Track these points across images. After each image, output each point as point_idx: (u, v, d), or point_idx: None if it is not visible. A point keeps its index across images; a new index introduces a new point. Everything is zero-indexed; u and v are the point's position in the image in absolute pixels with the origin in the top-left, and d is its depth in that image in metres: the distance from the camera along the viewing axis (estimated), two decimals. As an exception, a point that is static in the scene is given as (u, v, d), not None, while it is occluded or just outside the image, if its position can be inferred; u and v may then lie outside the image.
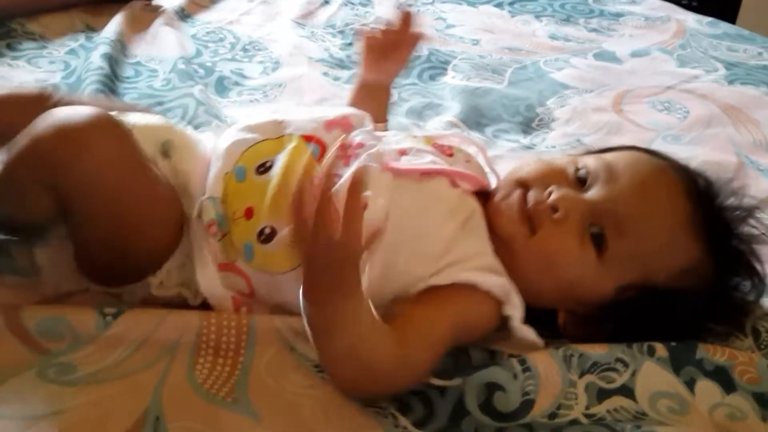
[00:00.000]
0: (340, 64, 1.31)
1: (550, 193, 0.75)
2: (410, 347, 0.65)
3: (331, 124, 0.80)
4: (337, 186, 0.70)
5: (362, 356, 0.63)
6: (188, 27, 1.39)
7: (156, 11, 1.40)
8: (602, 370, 0.70)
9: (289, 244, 0.64)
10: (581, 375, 0.70)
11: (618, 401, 0.69)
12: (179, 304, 0.75)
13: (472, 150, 0.84)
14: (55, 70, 1.18)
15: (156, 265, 0.74)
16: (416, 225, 0.73)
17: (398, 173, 0.75)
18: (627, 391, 0.69)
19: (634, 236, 0.73)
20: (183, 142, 0.79)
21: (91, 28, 1.32)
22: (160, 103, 1.10)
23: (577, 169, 0.77)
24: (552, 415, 0.67)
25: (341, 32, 1.43)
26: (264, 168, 0.76)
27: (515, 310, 0.72)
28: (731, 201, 0.79)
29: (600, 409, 0.68)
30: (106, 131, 0.70)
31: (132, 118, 0.79)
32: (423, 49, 1.37)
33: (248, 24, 1.43)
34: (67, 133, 0.68)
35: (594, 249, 0.74)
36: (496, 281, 0.72)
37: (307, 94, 1.20)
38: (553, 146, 1.12)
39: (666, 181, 0.76)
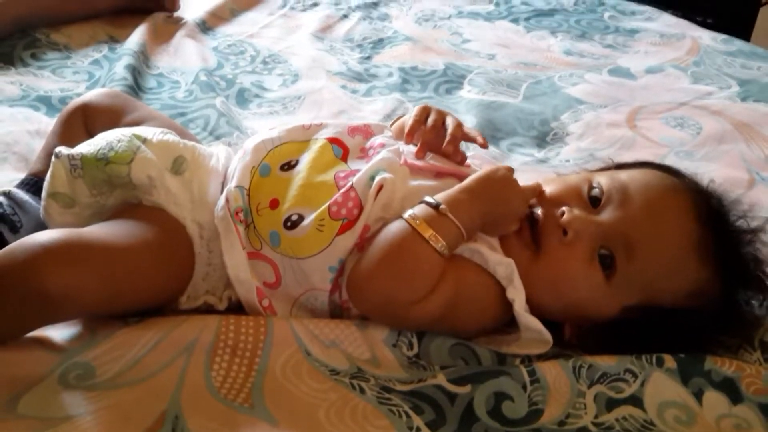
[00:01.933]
0: (358, 78, 1.34)
1: (562, 213, 0.76)
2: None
3: (354, 130, 0.86)
4: (355, 179, 0.77)
5: (424, 271, 0.71)
6: (209, 39, 1.42)
7: (177, 23, 1.44)
8: (611, 381, 0.72)
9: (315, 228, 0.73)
10: (590, 385, 0.71)
11: (627, 410, 0.70)
12: (204, 311, 0.77)
13: None
14: (79, 80, 1.21)
15: (179, 293, 0.77)
16: None
17: (415, 169, 0.80)
18: (636, 400, 0.70)
19: (643, 260, 0.75)
20: (194, 157, 0.82)
21: (114, 39, 1.35)
22: (183, 114, 1.13)
23: (591, 188, 0.79)
24: (561, 423, 0.69)
25: (359, 46, 1.46)
26: (288, 166, 0.81)
27: (518, 293, 0.74)
28: (741, 221, 0.80)
29: (609, 418, 0.69)
30: (68, 260, 0.68)
31: (147, 133, 0.81)
32: (440, 64, 1.40)
33: (268, 37, 1.45)
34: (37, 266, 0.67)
35: (602, 271, 0.75)
36: (500, 259, 0.74)
37: (326, 106, 1.22)
38: (567, 160, 1.13)
39: (677, 205, 0.77)
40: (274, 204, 0.78)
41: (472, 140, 0.87)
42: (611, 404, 0.70)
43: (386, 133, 0.87)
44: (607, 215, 0.77)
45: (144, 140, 0.79)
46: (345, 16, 1.57)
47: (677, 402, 0.71)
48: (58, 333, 0.71)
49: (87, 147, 0.79)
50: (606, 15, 1.70)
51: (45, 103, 1.11)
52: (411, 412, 0.68)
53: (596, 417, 0.69)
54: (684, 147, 1.19)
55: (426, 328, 0.74)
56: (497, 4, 1.70)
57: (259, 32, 1.47)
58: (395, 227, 0.73)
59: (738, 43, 1.61)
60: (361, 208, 0.76)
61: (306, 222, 0.76)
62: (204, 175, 0.81)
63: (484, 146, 0.87)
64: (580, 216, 0.76)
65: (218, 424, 0.65)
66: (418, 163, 0.81)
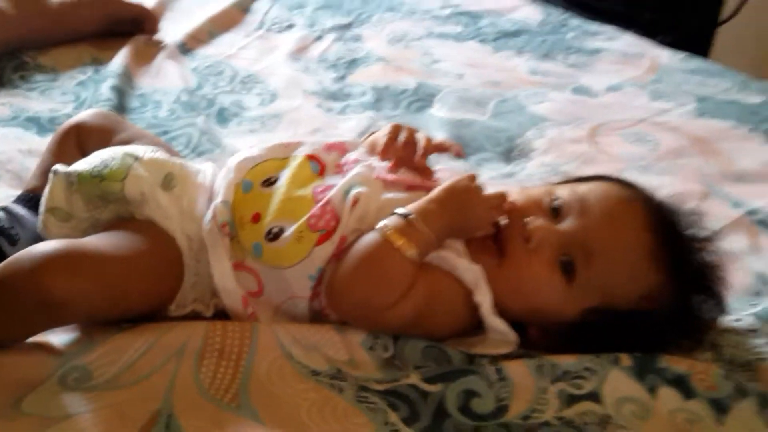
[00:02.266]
0: (333, 97, 1.38)
1: (526, 223, 0.82)
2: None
3: (330, 147, 0.91)
4: (332, 193, 0.82)
5: (396, 278, 0.77)
6: (189, 61, 1.45)
7: (158, 46, 1.47)
8: (572, 378, 0.76)
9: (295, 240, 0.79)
10: (553, 382, 0.76)
11: (586, 406, 0.74)
12: (192, 317, 0.81)
13: None
14: (66, 101, 1.25)
15: (169, 301, 0.81)
16: None
17: (387, 183, 0.85)
18: (594, 396, 0.75)
19: (600, 266, 0.80)
20: (183, 173, 0.87)
21: (98, 61, 1.39)
22: (166, 132, 1.17)
23: (553, 200, 0.84)
24: (525, 417, 0.73)
25: (334, 66, 1.49)
26: (269, 182, 0.86)
27: (484, 297, 0.79)
28: (693, 230, 0.85)
29: (570, 413, 0.74)
30: (69, 268, 0.73)
31: (138, 151, 0.86)
32: (411, 83, 1.44)
33: (246, 58, 1.49)
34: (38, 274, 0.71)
35: (562, 276, 0.81)
36: (468, 266, 0.80)
37: (303, 124, 1.26)
38: (532, 175, 1.17)
39: (631, 215, 0.83)
40: (257, 218, 0.83)
41: (447, 150, 0.93)
42: (572, 400, 0.75)
43: (360, 150, 0.93)
44: (567, 224, 0.82)
45: (136, 158, 0.84)
46: (319, 38, 1.60)
47: (633, 397, 0.76)
48: (57, 338, 0.75)
49: (83, 165, 0.84)
50: (569, 35, 1.75)
51: (35, 123, 1.15)
52: (388, 409, 0.72)
53: (558, 411, 0.74)
54: (642, 162, 1.24)
55: (400, 332, 0.79)
56: (466, 26, 1.74)
57: (237, 53, 1.50)
58: (369, 238, 0.78)
59: (696, 61, 1.66)
60: (338, 221, 0.81)
61: (286, 234, 0.81)
62: (192, 191, 0.86)
63: (459, 155, 0.94)
64: (543, 225, 0.82)
65: (208, 423, 0.69)
66: (390, 177, 0.87)
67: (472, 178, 0.85)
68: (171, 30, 1.53)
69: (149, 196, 0.82)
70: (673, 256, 0.82)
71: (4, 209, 0.89)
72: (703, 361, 0.82)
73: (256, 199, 0.85)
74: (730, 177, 1.22)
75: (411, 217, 0.78)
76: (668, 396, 0.76)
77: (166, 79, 1.36)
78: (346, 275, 0.77)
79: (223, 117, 1.27)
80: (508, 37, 1.71)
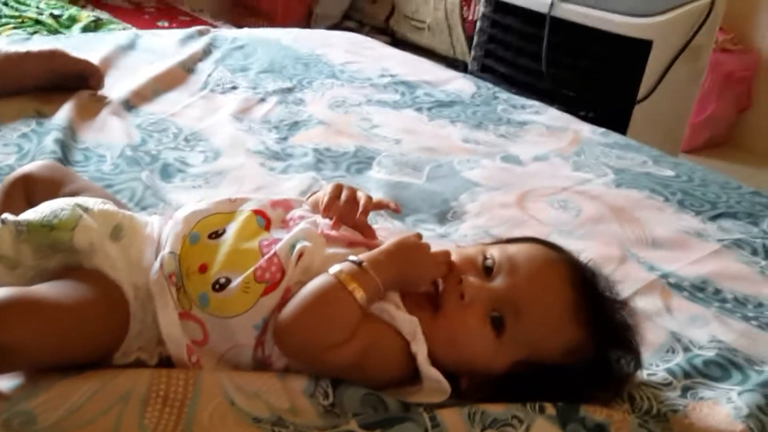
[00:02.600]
0: (276, 156, 1.41)
1: (460, 280, 0.87)
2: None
3: (275, 204, 0.95)
4: (278, 247, 0.86)
5: (344, 318, 0.80)
6: (133, 117, 1.47)
7: (102, 101, 1.49)
8: (501, 425, 0.80)
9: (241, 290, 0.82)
10: (483, 429, 0.79)
11: (514, 452, 0.79)
12: (136, 365, 0.83)
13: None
14: (9, 152, 1.25)
15: (114, 349, 0.83)
16: None
17: (330, 239, 0.90)
18: (521, 443, 0.79)
19: (527, 322, 0.86)
20: (131, 225, 0.90)
21: (42, 114, 1.40)
22: (109, 186, 1.19)
23: (485, 259, 0.90)
24: (456, 462, 0.78)
25: (276, 127, 1.53)
26: (216, 234, 0.89)
27: (420, 347, 0.83)
28: (611, 291, 0.92)
29: (499, 459, 0.78)
30: (18, 316, 0.75)
31: (88, 203, 0.89)
32: (351, 146, 1.49)
33: (189, 116, 1.51)
34: None
35: (492, 331, 0.86)
36: (406, 317, 0.84)
37: (246, 182, 1.29)
38: (465, 235, 1.22)
39: (556, 274, 0.89)
40: (203, 268, 0.86)
41: (385, 207, 0.99)
42: (500, 447, 0.79)
43: (304, 207, 0.97)
44: (498, 282, 0.88)
45: (86, 209, 0.87)
46: (263, 100, 1.64)
47: (558, 445, 0.80)
48: (2, 383, 0.76)
49: (33, 214, 0.85)
50: (499, 108, 1.82)
51: (-24, 172, 1.16)
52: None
53: (488, 458, 0.78)
54: (565, 226, 1.30)
55: (340, 375, 0.82)
56: (402, 94, 1.81)
57: (181, 111, 1.53)
58: (321, 279, 0.82)
59: (615, 136, 1.74)
60: (283, 273, 0.85)
61: (233, 285, 0.84)
62: (140, 242, 0.88)
63: (396, 211, 1.00)
64: (475, 283, 0.87)
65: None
66: (333, 233, 0.91)
67: (419, 236, 0.91)
68: (116, 86, 1.56)
69: (98, 246, 0.85)
70: (593, 314, 0.88)
71: None
72: (621, 411, 0.87)
73: (203, 250, 0.88)
74: (645, 243, 1.28)
75: (364, 264, 0.83)
76: (590, 444, 0.81)
77: (110, 134, 1.38)
78: (296, 311, 0.80)
79: (167, 173, 1.29)
80: (442, 106, 1.77)
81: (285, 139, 1.49)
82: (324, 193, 0.98)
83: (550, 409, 0.83)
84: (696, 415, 0.89)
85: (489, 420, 0.81)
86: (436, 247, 0.92)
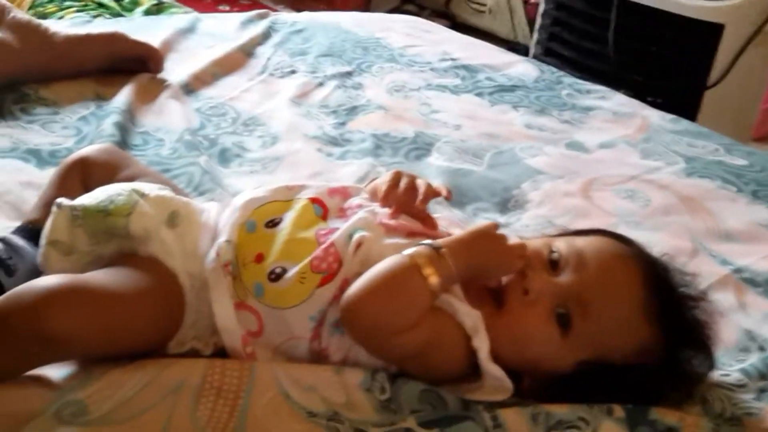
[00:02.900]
0: (333, 142, 1.39)
1: (525, 275, 0.83)
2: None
3: (333, 192, 0.93)
4: (335, 237, 0.84)
5: (416, 302, 0.77)
6: (192, 101, 1.47)
7: (162, 84, 1.49)
8: (566, 427, 0.78)
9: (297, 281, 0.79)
10: (547, 431, 0.77)
11: (580, 455, 0.76)
12: (191, 355, 0.82)
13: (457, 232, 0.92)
14: (67, 135, 1.26)
15: (168, 339, 0.82)
16: None
17: (389, 228, 0.87)
18: (588, 446, 0.76)
19: (595, 319, 0.82)
20: (188, 212, 0.88)
21: (101, 97, 1.40)
22: (167, 171, 1.18)
23: (551, 252, 0.86)
24: (520, 465, 0.75)
25: (334, 112, 1.51)
26: (273, 223, 0.87)
27: (482, 343, 0.80)
28: (685, 286, 0.87)
29: (563, 462, 0.75)
30: (71, 304, 0.74)
31: (144, 188, 0.87)
32: (410, 132, 1.47)
33: (248, 101, 1.50)
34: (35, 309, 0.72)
35: (558, 328, 0.82)
36: (468, 311, 0.81)
37: (303, 167, 1.27)
38: (527, 225, 1.19)
39: (626, 271, 0.85)
40: (260, 258, 0.84)
41: (438, 194, 0.95)
42: (565, 449, 0.76)
43: (362, 195, 0.95)
44: (564, 278, 0.84)
45: (142, 195, 0.85)
46: (321, 84, 1.62)
47: (625, 448, 0.77)
48: (54, 371, 0.75)
49: (88, 199, 0.85)
50: (564, 93, 1.77)
51: (35, 155, 1.16)
52: (383, 449, 0.73)
53: (552, 461, 0.76)
54: (633, 217, 1.26)
55: (400, 364, 0.80)
56: (463, 79, 1.77)
57: (240, 96, 1.52)
58: (397, 260, 0.79)
59: (685, 123, 1.68)
60: (340, 264, 0.82)
61: (289, 275, 0.82)
62: (196, 229, 0.87)
63: (448, 198, 0.95)
64: (541, 278, 0.83)
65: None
66: (392, 222, 0.89)
67: (496, 226, 0.87)
68: (175, 70, 1.55)
69: (153, 233, 0.83)
70: (665, 312, 0.84)
71: (3, 240, 0.90)
72: (693, 414, 0.83)
73: (259, 239, 0.86)
74: (717, 235, 1.24)
75: (443, 250, 0.79)
76: (659, 448, 0.77)
77: (169, 118, 1.37)
78: (367, 289, 0.77)
79: (224, 157, 1.28)
80: (504, 91, 1.73)
81: (343, 124, 1.47)
82: (383, 181, 0.95)
83: (618, 411, 0.80)
84: (773, 418, 0.84)
85: (553, 421, 0.78)
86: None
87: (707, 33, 2.43)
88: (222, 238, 0.85)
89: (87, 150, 1.01)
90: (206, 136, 1.34)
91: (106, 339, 0.76)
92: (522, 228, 1.18)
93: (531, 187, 1.33)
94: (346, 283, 0.81)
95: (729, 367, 0.93)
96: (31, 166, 1.15)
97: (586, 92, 1.80)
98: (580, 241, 0.88)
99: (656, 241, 1.15)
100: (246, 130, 1.39)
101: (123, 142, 1.25)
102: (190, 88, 1.51)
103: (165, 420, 0.73)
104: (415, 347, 0.78)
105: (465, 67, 1.84)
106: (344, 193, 0.94)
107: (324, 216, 0.90)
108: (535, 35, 2.87)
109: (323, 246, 0.84)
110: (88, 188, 0.90)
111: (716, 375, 0.89)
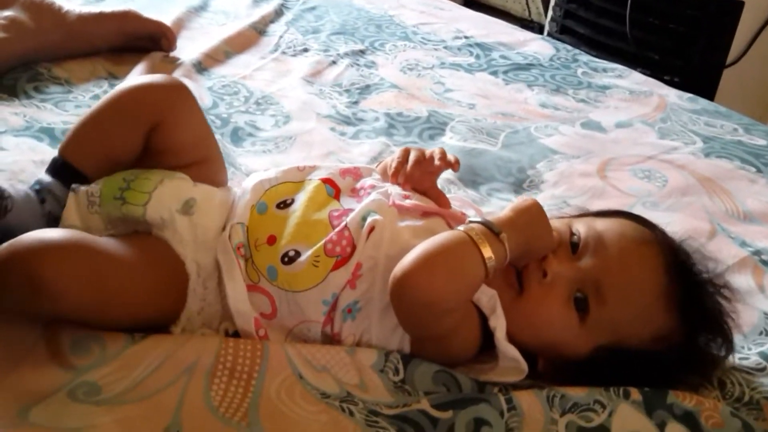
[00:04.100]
0: (346, 121, 1.38)
1: (543, 258, 0.82)
2: None
3: (345, 172, 0.92)
4: (348, 219, 0.82)
5: (474, 282, 0.76)
6: (205, 79, 1.46)
7: (174, 63, 1.48)
8: (582, 410, 0.77)
9: (311, 264, 0.78)
10: (562, 414, 0.76)
11: (595, 438, 0.75)
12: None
13: (470, 213, 0.92)
14: (80, 114, 1.24)
15: (169, 322, 0.81)
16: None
17: (402, 210, 0.86)
18: (604, 430, 0.75)
19: (614, 305, 0.80)
20: (203, 198, 0.86)
21: (113, 76, 1.39)
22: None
23: (572, 234, 0.84)
24: (535, 448, 0.74)
25: (347, 91, 1.50)
26: (285, 204, 0.87)
27: (499, 322, 0.79)
28: (705, 272, 0.86)
29: (579, 445, 0.74)
30: (66, 258, 0.73)
31: (162, 175, 0.86)
32: (423, 111, 1.45)
33: (261, 79, 1.49)
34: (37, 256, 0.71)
35: (576, 312, 0.81)
36: (485, 290, 0.79)
37: (316, 147, 1.26)
38: (542, 206, 1.18)
39: (647, 256, 0.83)
40: (272, 240, 0.83)
41: (449, 165, 0.93)
42: (581, 432, 0.75)
43: (374, 176, 0.93)
44: (583, 262, 0.82)
45: (161, 181, 0.85)
46: (334, 62, 1.61)
47: (642, 432, 0.76)
48: (70, 347, 0.75)
49: (106, 184, 0.84)
50: (579, 71, 1.76)
51: (48, 134, 1.16)
52: (397, 434, 0.72)
53: (567, 444, 0.75)
54: (650, 198, 1.25)
55: (422, 344, 0.79)
56: (477, 57, 1.76)
57: (252, 74, 1.51)
58: (455, 236, 0.76)
59: (702, 102, 1.67)
60: (354, 247, 0.81)
61: (303, 258, 0.81)
62: (210, 218, 0.85)
63: (455, 168, 0.93)
64: (560, 261, 0.82)
65: (217, 441, 0.69)
66: (406, 203, 0.87)
67: (538, 203, 0.84)
68: (187, 48, 1.54)
69: (168, 221, 0.83)
70: (685, 300, 0.82)
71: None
72: (711, 398, 0.82)
73: (271, 221, 0.85)
74: (736, 217, 1.22)
75: (502, 236, 0.77)
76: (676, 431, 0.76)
77: (181, 97, 1.36)
78: (426, 265, 0.73)
79: (237, 136, 1.27)
80: (519, 70, 1.72)
81: (356, 103, 1.46)
82: (392, 158, 0.94)
83: (635, 394, 0.79)
84: (792, 404, 0.83)
85: (569, 404, 0.77)
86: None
87: (726, 10, 2.39)
88: (234, 220, 0.84)
89: (171, 102, 0.89)
90: (219, 115, 1.33)
91: (97, 302, 0.74)
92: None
93: (546, 167, 1.31)
94: (359, 268, 0.80)
95: (748, 350, 0.92)
96: (44, 145, 1.14)
97: (602, 71, 1.79)
98: (601, 224, 0.86)
99: (673, 222, 1.15)
100: (258, 109, 1.38)
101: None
102: (202, 66, 1.50)
103: (178, 400, 0.72)
104: (452, 327, 0.77)
105: (479, 45, 1.82)
106: (356, 173, 0.93)
107: (336, 195, 0.89)
108: (550, 13, 2.83)
109: (337, 229, 0.83)
110: (151, 147, 0.88)
111: (735, 359, 0.88)
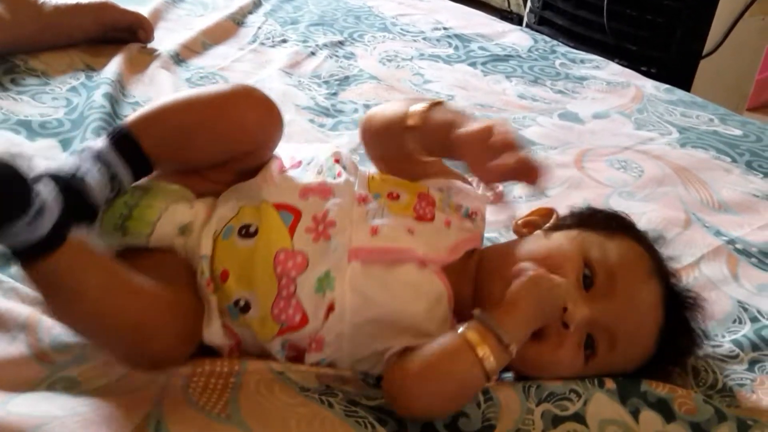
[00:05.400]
0: (325, 113, 1.38)
1: (564, 308, 0.77)
2: None
3: (306, 192, 0.81)
4: (299, 286, 0.76)
5: (468, 394, 0.75)
6: (183, 71, 1.45)
7: (152, 54, 1.47)
8: (558, 400, 0.78)
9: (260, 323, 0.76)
10: (538, 403, 0.77)
11: (571, 426, 0.76)
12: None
13: (467, 202, 0.87)
14: (57, 106, 1.24)
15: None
16: (384, 311, 0.77)
17: (368, 261, 0.78)
18: (579, 417, 0.76)
19: (621, 351, 0.81)
20: (199, 222, 0.80)
21: (91, 68, 1.38)
22: (158, 142, 1.17)
23: (584, 266, 0.80)
24: (512, 435, 0.75)
25: (326, 82, 1.49)
26: (247, 233, 0.78)
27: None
28: (677, 281, 0.86)
29: (555, 433, 0.76)
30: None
31: (162, 201, 0.81)
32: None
33: (239, 71, 1.49)
34: None
35: (584, 356, 0.80)
36: None
37: (295, 138, 1.24)
38: (520, 197, 1.17)
39: (652, 294, 0.81)
40: (224, 276, 0.77)
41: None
42: (557, 421, 0.76)
43: (345, 194, 0.82)
44: (598, 305, 0.79)
45: (165, 208, 0.80)
46: (312, 54, 1.60)
47: (616, 420, 0.77)
48: (50, 344, 0.75)
49: (107, 212, 0.79)
50: (557, 62, 1.77)
51: (25, 126, 1.15)
52: (376, 424, 0.73)
53: (543, 431, 0.76)
54: (626, 188, 1.25)
55: None
56: (456, 48, 1.76)
57: (231, 65, 1.50)
58: (463, 357, 0.73)
59: (679, 93, 1.67)
60: (306, 319, 0.76)
61: (253, 312, 0.77)
62: (196, 243, 0.80)
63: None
64: (577, 305, 0.78)
65: (197, 431, 0.70)
66: (368, 245, 0.79)
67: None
68: (165, 39, 1.53)
69: (168, 245, 0.80)
70: (671, 324, 0.83)
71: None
72: (685, 385, 0.84)
73: (230, 251, 0.78)
74: (711, 206, 1.23)
75: (511, 348, 0.73)
76: (650, 419, 0.78)
77: (159, 88, 1.35)
78: (421, 383, 0.73)
79: (215, 128, 1.27)
80: (497, 61, 1.72)
81: (335, 94, 1.46)
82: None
83: (609, 383, 0.80)
84: (764, 390, 0.85)
85: (545, 394, 0.78)
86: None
87: (703, 1, 2.41)
88: (200, 252, 0.78)
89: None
90: (197, 107, 1.32)
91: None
92: (514, 200, 1.17)
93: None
94: (321, 340, 0.77)
95: (721, 338, 0.93)
96: (21, 138, 1.14)
97: (579, 62, 1.79)
98: (613, 253, 0.82)
99: (649, 212, 1.17)
100: (237, 101, 1.37)
101: (113, 113, 1.23)
102: (180, 57, 1.50)
103: (157, 394, 0.73)
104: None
105: (458, 37, 1.82)
106: (323, 191, 0.82)
107: (293, 226, 0.79)
108: (529, 4, 2.84)
109: (285, 292, 0.76)
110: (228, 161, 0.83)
111: (708, 347, 0.90)
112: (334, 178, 0.84)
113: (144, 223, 0.79)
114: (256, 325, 0.77)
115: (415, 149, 0.82)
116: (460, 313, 0.80)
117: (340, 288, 0.76)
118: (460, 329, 0.74)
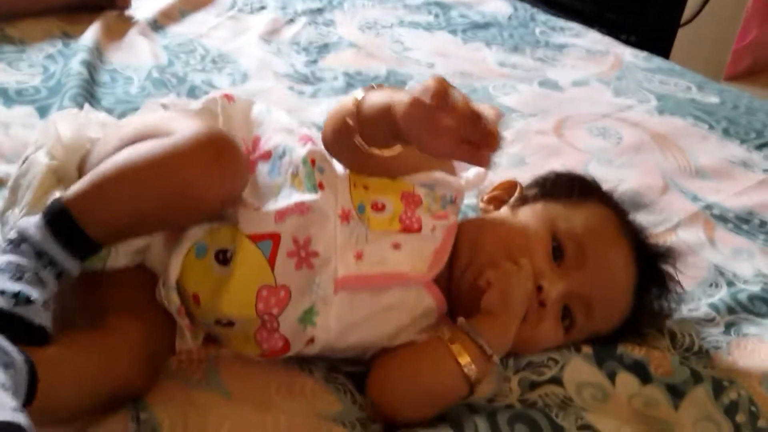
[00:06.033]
0: (305, 80, 1.37)
1: (538, 287, 0.78)
2: None
3: (282, 215, 0.74)
4: (281, 322, 0.73)
5: (448, 401, 0.75)
6: (160, 38, 1.43)
7: (129, 21, 1.46)
8: (536, 367, 0.79)
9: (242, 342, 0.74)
10: (516, 372, 0.78)
11: (548, 389, 0.78)
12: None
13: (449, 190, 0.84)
14: (34, 73, 1.23)
15: None
16: (366, 334, 0.77)
17: (353, 289, 0.75)
18: (556, 380, 0.78)
19: (599, 317, 0.82)
20: (154, 243, 0.77)
21: (68, 35, 1.37)
22: (136, 109, 1.15)
23: (553, 240, 0.81)
24: (490, 400, 0.76)
25: (305, 50, 1.48)
26: (224, 258, 0.74)
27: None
28: (648, 238, 0.88)
29: (532, 395, 0.77)
30: None
31: None
32: (382, 69, 1.45)
33: (217, 38, 1.47)
34: None
35: (563, 328, 0.81)
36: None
37: (274, 106, 1.24)
38: (498, 164, 1.17)
39: (622, 255, 0.83)
40: (196, 299, 0.74)
41: None
42: (534, 385, 0.78)
43: (324, 218, 0.76)
44: (570, 277, 0.80)
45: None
46: (291, 21, 1.59)
47: (593, 382, 0.79)
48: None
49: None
50: (537, 30, 1.76)
51: (2, 94, 1.14)
52: (355, 391, 0.75)
53: (521, 396, 0.77)
54: (605, 155, 1.26)
55: None
56: (436, 16, 1.75)
57: (209, 32, 1.49)
58: (448, 370, 0.73)
59: (657, 61, 1.68)
60: (288, 347, 0.74)
61: (237, 329, 0.74)
62: (162, 260, 0.76)
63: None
64: (551, 281, 0.79)
65: (175, 398, 0.71)
66: (354, 273, 0.75)
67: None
68: (143, 7, 1.51)
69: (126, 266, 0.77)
70: (644, 280, 0.84)
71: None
72: (661, 348, 0.85)
73: (204, 273, 0.74)
74: (688, 172, 1.24)
75: (494, 359, 0.75)
76: (626, 381, 0.80)
77: (137, 56, 1.34)
78: (400, 394, 0.74)
79: (193, 95, 1.25)
80: (477, 28, 1.71)
81: (314, 62, 1.45)
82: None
83: (586, 348, 0.82)
84: (740, 352, 0.86)
85: (523, 363, 0.79)
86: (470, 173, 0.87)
87: (682, -31, 2.41)
88: (168, 280, 0.74)
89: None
90: (174, 74, 1.31)
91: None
92: (492, 167, 1.16)
93: (503, 126, 1.31)
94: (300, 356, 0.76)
95: (698, 301, 0.95)
96: (-1, 105, 1.13)
97: (559, 30, 1.79)
98: (579, 222, 0.83)
99: (628, 178, 1.18)
100: (215, 68, 1.36)
101: (92, 80, 1.22)
102: (158, 24, 1.48)
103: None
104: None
105: (438, 4, 1.81)
106: (301, 209, 0.74)
107: (272, 257, 0.73)
108: (510, -29, 2.82)
109: (268, 326, 0.73)
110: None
111: (685, 310, 0.91)
112: (314, 190, 0.76)
113: (100, 256, 0.73)
114: (238, 342, 0.76)
115: (369, 149, 0.72)
116: (460, 306, 0.80)
117: (323, 323, 0.74)
118: (447, 336, 0.75)
